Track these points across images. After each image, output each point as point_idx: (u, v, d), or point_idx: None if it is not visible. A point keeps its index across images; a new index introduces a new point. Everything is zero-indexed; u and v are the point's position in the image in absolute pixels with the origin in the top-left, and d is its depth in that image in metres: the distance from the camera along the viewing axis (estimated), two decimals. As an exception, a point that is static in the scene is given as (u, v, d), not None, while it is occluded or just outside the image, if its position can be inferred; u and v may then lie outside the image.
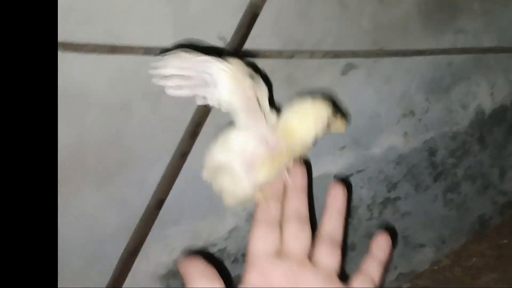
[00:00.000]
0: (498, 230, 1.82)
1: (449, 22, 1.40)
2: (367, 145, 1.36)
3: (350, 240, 1.40)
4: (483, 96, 1.58)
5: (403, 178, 1.48)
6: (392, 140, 1.42)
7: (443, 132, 1.52)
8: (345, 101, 1.29)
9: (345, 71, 1.24)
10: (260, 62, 1.07)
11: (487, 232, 1.80)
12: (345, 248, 0.69)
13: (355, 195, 1.37)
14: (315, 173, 1.28)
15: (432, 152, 1.52)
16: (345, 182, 1.03)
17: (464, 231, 1.73)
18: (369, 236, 1.50)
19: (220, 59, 0.56)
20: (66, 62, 0.84)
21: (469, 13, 1.44)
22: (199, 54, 0.55)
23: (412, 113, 1.43)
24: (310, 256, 0.58)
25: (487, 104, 1.60)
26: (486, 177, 1.70)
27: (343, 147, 1.34)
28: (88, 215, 1.02)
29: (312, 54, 1.12)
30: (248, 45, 1.03)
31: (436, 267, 1.70)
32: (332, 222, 0.62)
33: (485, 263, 1.71)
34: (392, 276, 1.61)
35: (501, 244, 1.76)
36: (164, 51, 0.62)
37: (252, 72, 0.61)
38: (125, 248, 1.05)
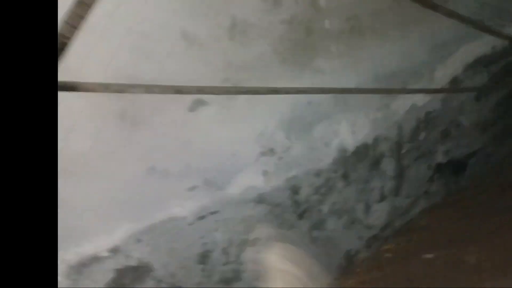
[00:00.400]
0: (365, 265, 1.86)
1: (307, 62, 1.43)
2: (222, 185, 1.30)
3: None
4: (345, 134, 1.63)
5: (264, 218, 1.44)
6: (251, 180, 1.38)
7: (307, 169, 1.53)
8: (197, 139, 1.22)
9: (193, 107, 1.18)
10: (84, 96, 0.96)
11: (354, 267, 1.83)
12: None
13: (208, 239, 1.29)
14: (159, 218, 1.18)
15: (295, 190, 1.51)
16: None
17: (332, 268, 1.73)
18: (225, 281, 1.43)
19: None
20: None
21: (326, 54, 1.48)
22: None
23: (272, 151, 1.41)
24: None
25: (349, 141, 1.65)
26: (352, 212, 1.74)
27: (193, 188, 1.25)
28: None
29: (147, 88, 1.02)
30: (67, 77, 0.91)
31: None
32: None
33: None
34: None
35: (368, 279, 1.80)
36: None
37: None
38: None
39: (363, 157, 1.72)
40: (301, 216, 1.55)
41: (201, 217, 1.26)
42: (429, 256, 1.96)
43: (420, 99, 1.93)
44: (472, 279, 1.78)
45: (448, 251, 1.96)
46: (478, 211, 2.17)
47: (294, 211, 1.52)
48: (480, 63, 2.20)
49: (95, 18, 0.90)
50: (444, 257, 1.95)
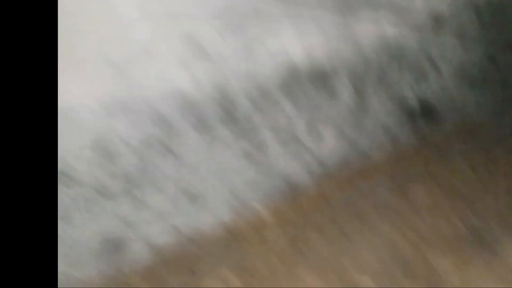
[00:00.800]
0: (313, 199, 1.73)
1: None
2: (137, 77, 1.15)
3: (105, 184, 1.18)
4: (293, 45, 1.46)
5: (186, 122, 1.29)
6: (173, 75, 1.23)
7: (241, 75, 1.37)
8: (111, 24, 1.07)
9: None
10: None
11: (299, 199, 1.70)
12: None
13: (115, 134, 1.15)
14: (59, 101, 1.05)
15: (226, 97, 1.36)
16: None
17: (272, 195, 1.59)
18: (131, 183, 1.31)
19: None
20: None
21: None
22: None
23: (200, 47, 1.26)
24: None
25: (298, 53, 1.48)
26: (295, 135, 1.58)
27: (101, 74, 1.11)
28: None
29: None
30: None
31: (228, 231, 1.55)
32: None
33: (286, 232, 1.60)
34: (166, 232, 1.43)
35: (314, 213, 1.67)
36: None
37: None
38: None
39: (314, 77, 1.56)
40: (231, 127, 1.40)
41: (109, 109, 1.12)
42: (385, 197, 1.82)
43: (391, 29, 1.76)
44: (422, 217, 1.66)
45: (403, 188, 1.83)
46: (445, 162, 2.02)
47: (223, 120, 1.37)
48: (472, 2, 2.00)
49: None
50: (398, 192, 1.81)
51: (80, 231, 1.20)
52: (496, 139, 2.05)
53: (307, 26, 1.47)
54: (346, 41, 1.60)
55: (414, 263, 1.47)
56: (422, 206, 1.73)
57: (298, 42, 1.46)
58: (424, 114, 2.05)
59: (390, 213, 1.72)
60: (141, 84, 1.18)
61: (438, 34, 2.00)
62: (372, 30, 1.71)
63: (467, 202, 1.69)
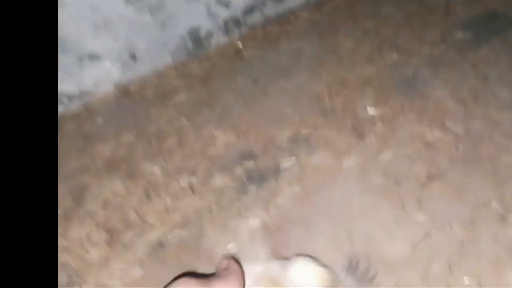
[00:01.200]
0: (222, 50, 1.55)
1: None
2: None
3: None
4: None
5: None
6: None
7: None
8: None
9: None
10: None
11: (207, 52, 1.51)
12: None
13: None
14: None
15: None
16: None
17: (172, 48, 1.39)
18: None
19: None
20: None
21: None
22: None
23: None
24: None
25: None
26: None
27: None
28: None
29: None
30: None
31: (121, 91, 1.37)
32: None
33: (194, 92, 1.44)
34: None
35: (224, 64, 1.50)
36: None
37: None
38: None
39: None
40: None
41: None
42: (303, 45, 1.67)
43: None
44: (344, 63, 1.56)
45: (326, 39, 1.70)
46: (375, 10, 1.86)
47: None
48: None
49: None
50: (320, 43, 1.68)
51: None
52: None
53: None
54: None
55: (335, 107, 1.39)
56: (345, 53, 1.61)
57: None
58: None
59: (309, 62, 1.59)
60: None
61: None
62: None
63: (397, 50, 1.59)
